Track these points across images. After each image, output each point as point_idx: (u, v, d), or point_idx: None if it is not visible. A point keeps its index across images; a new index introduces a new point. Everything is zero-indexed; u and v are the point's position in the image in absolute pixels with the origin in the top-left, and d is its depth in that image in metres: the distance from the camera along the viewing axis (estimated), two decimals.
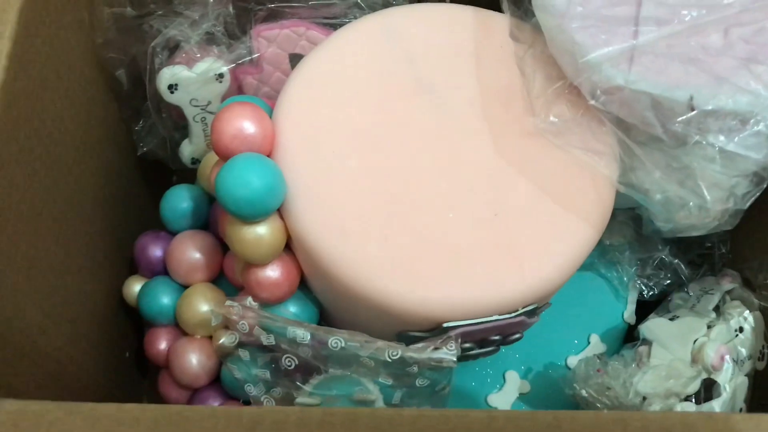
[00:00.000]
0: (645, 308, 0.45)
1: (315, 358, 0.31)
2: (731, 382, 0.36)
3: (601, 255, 0.44)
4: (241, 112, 0.34)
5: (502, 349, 0.41)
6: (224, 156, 0.34)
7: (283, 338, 0.31)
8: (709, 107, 0.31)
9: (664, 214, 0.33)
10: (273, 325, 0.32)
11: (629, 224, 0.44)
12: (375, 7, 0.43)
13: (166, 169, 0.47)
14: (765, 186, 0.32)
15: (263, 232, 0.34)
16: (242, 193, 0.32)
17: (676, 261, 0.44)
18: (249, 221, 0.33)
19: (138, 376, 0.48)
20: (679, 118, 0.32)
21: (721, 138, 0.32)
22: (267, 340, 0.32)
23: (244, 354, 0.32)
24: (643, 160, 0.33)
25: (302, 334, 0.31)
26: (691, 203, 0.32)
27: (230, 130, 0.33)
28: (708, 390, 0.36)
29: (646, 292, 0.44)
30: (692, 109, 0.32)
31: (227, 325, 0.33)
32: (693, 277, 0.45)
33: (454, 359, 0.31)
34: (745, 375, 0.38)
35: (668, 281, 0.44)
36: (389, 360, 0.30)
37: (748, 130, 0.32)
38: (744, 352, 0.38)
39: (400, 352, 0.30)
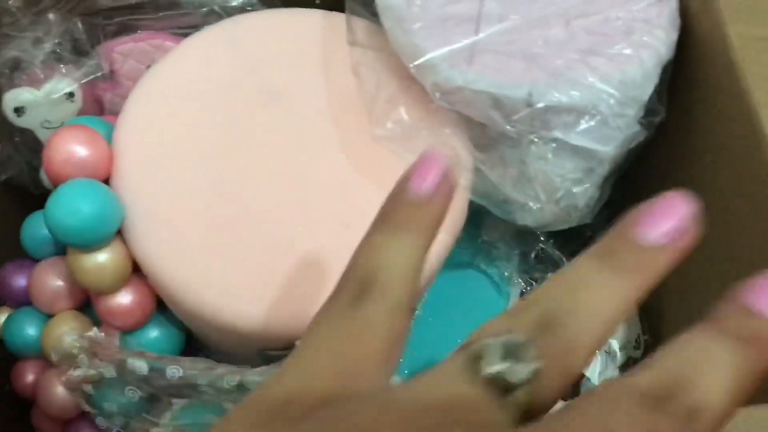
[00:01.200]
0: None
1: (158, 388, 0.30)
2: (601, 375, 0.36)
3: (479, 251, 0.44)
4: (72, 135, 0.32)
5: None
6: (57, 183, 0.32)
7: (125, 370, 0.30)
8: (542, 104, 0.30)
9: (506, 215, 0.32)
10: (114, 357, 0.30)
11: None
12: (234, 14, 0.42)
13: (33, 195, 0.45)
14: (604, 181, 0.32)
15: (104, 259, 0.32)
16: (71, 222, 0.30)
17: (557, 253, 0.44)
18: (87, 250, 0.32)
19: (22, 407, 0.47)
20: (516, 116, 0.31)
21: (559, 134, 0.31)
22: (109, 373, 0.30)
23: (87, 388, 0.31)
24: (482, 162, 0.32)
25: (140, 365, 0.30)
26: (530, 203, 0.31)
27: (60, 155, 0.32)
28: (576, 386, 0.36)
29: (524, 286, 0.44)
30: (531, 106, 0.31)
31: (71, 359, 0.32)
32: None
33: None
34: (618, 367, 0.38)
35: (549, 273, 0.44)
36: (227, 387, 0.29)
37: (584, 124, 0.31)
38: (615, 344, 0.38)
39: (239, 378, 0.29)
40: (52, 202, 0.31)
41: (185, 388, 0.30)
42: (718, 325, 0.16)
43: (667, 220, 0.17)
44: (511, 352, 0.15)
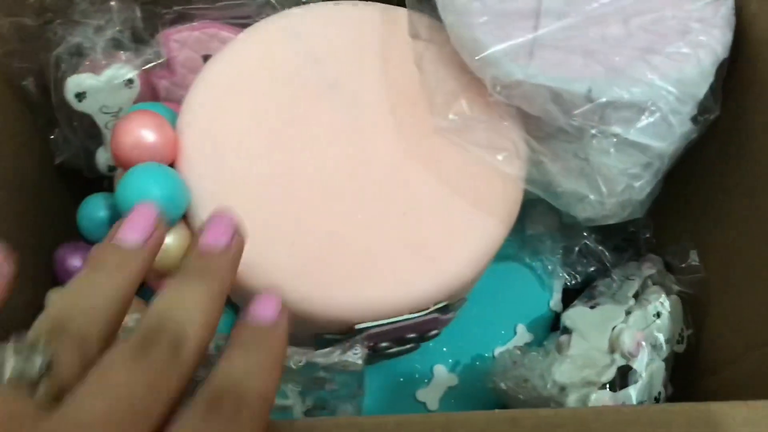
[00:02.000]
0: (574, 295, 0.45)
1: None
2: (648, 368, 0.37)
3: (524, 244, 0.45)
4: (140, 121, 0.33)
5: (430, 343, 0.41)
6: (125, 166, 0.33)
7: None
8: (603, 99, 0.31)
9: (564, 207, 0.33)
10: None
11: (551, 213, 0.44)
12: (288, 5, 0.42)
13: (88, 178, 0.46)
14: (660, 176, 0.32)
15: (168, 241, 0.33)
16: None
17: (600, 248, 0.44)
18: None
19: None
20: (577, 110, 0.32)
21: (618, 129, 0.32)
22: None
23: None
24: (544, 154, 0.33)
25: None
26: (590, 196, 0.32)
27: (129, 139, 0.33)
28: (624, 377, 0.36)
29: (569, 280, 0.44)
30: (590, 101, 0.32)
31: None
32: (618, 262, 0.45)
33: (360, 362, 0.31)
34: (663, 359, 0.38)
35: (592, 268, 0.44)
36: (294, 367, 0.30)
37: (644, 120, 0.32)
38: (661, 337, 0.38)
39: (305, 359, 0.30)
40: (123, 185, 0.32)
41: None
42: (182, 272, 0.21)
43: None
44: (22, 353, 0.18)
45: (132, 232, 0.22)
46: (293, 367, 0.30)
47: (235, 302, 0.38)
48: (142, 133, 0.33)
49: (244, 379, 0.19)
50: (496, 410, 0.27)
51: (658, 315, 0.39)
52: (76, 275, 0.21)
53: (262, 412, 0.19)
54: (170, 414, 0.18)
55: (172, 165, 0.34)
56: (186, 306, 0.20)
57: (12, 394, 0.17)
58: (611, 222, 0.35)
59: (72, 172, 0.46)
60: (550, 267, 0.44)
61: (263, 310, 0.22)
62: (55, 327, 0.19)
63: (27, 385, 0.17)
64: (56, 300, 0.20)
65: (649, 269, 0.42)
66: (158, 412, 0.18)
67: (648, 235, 0.45)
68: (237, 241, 0.23)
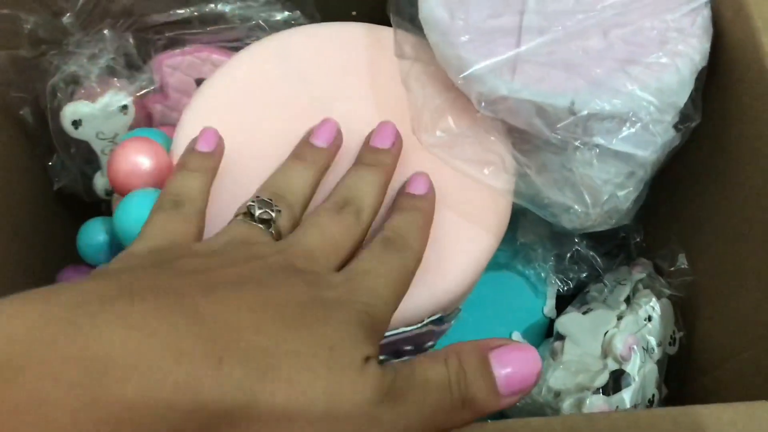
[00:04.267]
0: (568, 301, 0.46)
1: None
2: (640, 371, 0.38)
3: (517, 253, 0.45)
4: (135, 147, 0.34)
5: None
6: (122, 192, 0.34)
7: None
8: (585, 112, 0.32)
9: (551, 218, 0.34)
10: None
11: (542, 221, 0.45)
12: (278, 27, 0.43)
13: (87, 202, 0.47)
14: (644, 185, 0.33)
15: None
16: (139, 229, 0.32)
17: (591, 253, 0.45)
18: None
19: None
20: (560, 124, 0.33)
21: (601, 140, 0.33)
22: None
23: None
24: (528, 167, 0.33)
25: None
26: (575, 207, 0.33)
27: (125, 166, 0.34)
28: (617, 381, 0.37)
29: (562, 286, 0.45)
30: (573, 114, 0.33)
31: None
32: (609, 267, 0.46)
33: None
34: (656, 362, 0.39)
35: (584, 274, 0.45)
36: None
37: (626, 130, 0.33)
38: (653, 340, 0.39)
39: None
40: (121, 211, 0.32)
41: None
42: (359, 162, 0.33)
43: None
44: (262, 205, 0.29)
45: (323, 135, 0.33)
46: None
47: None
48: (138, 159, 0.34)
49: (405, 234, 0.29)
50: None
51: (649, 318, 0.40)
52: (283, 164, 0.33)
53: (417, 261, 0.29)
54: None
55: None
56: (364, 188, 0.31)
57: (255, 226, 0.28)
58: (600, 229, 0.36)
59: (71, 197, 0.47)
60: (542, 274, 0.45)
61: (416, 186, 0.32)
62: (275, 194, 0.30)
63: (263, 223, 0.29)
64: (271, 179, 0.32)
65: (639, 273, 0.43)
66: (348, 248, 0.28)
67: (638, 240, 0.46)
68: (398, 143, 0.33)
